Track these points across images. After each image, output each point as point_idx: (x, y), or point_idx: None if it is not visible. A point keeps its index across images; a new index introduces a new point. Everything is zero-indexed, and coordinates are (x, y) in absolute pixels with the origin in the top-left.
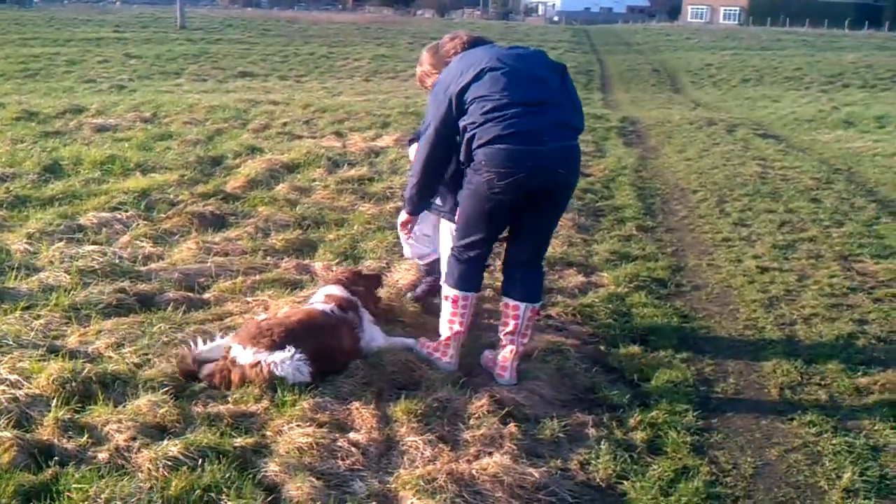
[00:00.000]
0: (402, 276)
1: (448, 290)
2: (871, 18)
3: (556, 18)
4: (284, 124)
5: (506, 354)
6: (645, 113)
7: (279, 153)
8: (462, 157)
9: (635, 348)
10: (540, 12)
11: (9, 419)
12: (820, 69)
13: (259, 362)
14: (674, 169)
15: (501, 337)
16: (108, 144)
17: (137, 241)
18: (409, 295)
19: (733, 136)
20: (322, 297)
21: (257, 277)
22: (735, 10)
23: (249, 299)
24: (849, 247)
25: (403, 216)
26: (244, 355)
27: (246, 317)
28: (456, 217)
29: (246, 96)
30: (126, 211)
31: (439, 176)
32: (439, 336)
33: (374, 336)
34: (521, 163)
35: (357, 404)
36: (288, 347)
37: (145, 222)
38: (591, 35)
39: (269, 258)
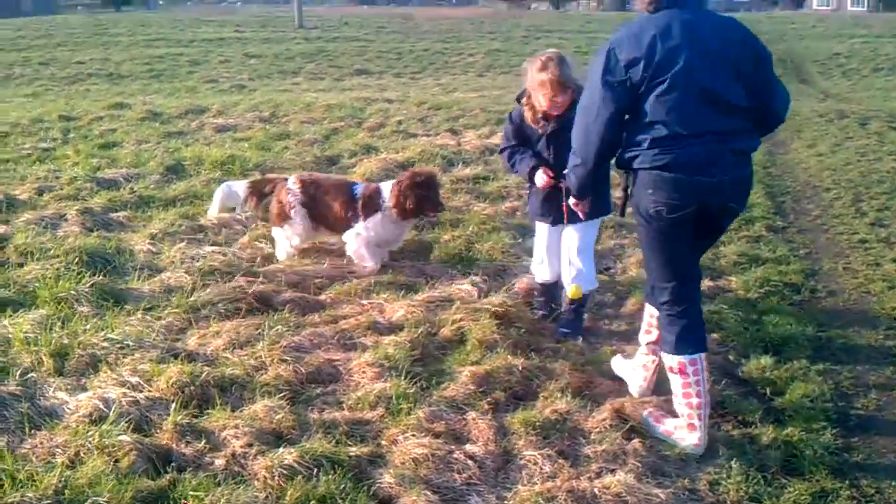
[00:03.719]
0: (518, 279)
1: (671, 359)
2: None
3: None
4: (399, 122)
5: (649, 366)
6: None
7: (394, 152)
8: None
9: (767, 359)
10: None
11: (129, 422)
12: None
13: None
14: (804, 165)
15: (644, 346)
16: (229, 144)
17: (256, 243)
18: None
19: (867, 130)
20: None
21: (372, 280)
22: None
23: (364, 302)
24: None
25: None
26: None
27: (361, 319)
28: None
29: (362, 94)
30: (245, 212)
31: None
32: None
33: None
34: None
35: (474, 414)
36: None
37: (264, 223)
38: None
39: (384, 260)
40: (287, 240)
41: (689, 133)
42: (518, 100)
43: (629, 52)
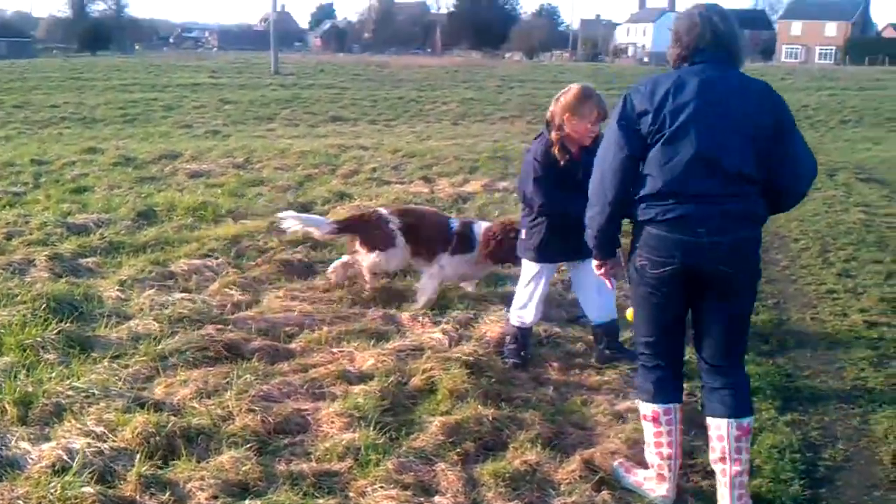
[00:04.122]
0: (489, 327)
1: (644, 407)
2: None
3: (646, 59)
4: (373, 169)
5: (723, 491)
6: None
7: (367, 199)
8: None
9: None
10: (630, 53)
11: (92, 473)
12: None
13: None
14: (773, 216)
15: (712, 465)
16: (201, 190)
17: (227, 290)
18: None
19: (834, 181)
20: None
21: (343, 328)
22: (831, 50)
23: (335, 350)
24: None
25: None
26: None
27: (331, 367)
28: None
29: (336, 141)
30: (216, 258)
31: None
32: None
33: None
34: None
35: (443, 465)
36: None
37: (235, 270)
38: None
39: (355, 307)
40: (376, 265)
41: (675, 191)
42: (549, 146)
43: (641, 103)
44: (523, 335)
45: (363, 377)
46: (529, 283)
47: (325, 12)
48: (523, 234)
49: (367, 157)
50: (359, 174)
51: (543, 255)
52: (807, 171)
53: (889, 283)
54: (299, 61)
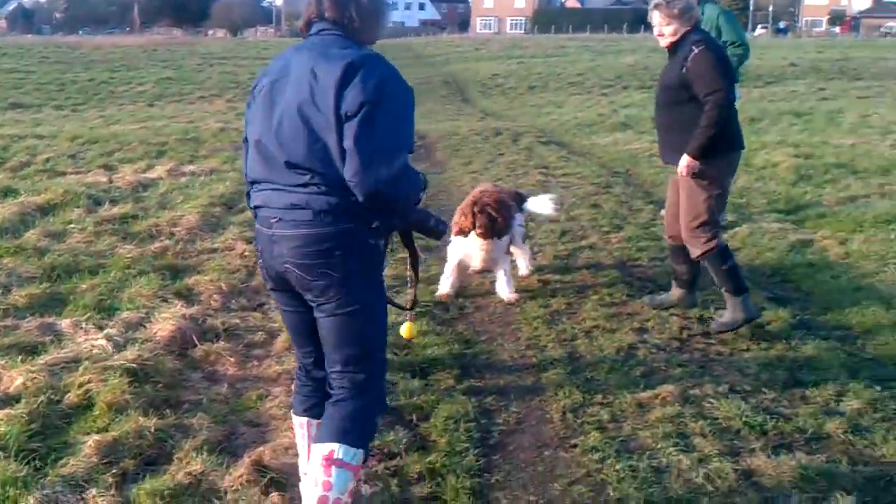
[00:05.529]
0: (161, 326)
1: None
2: (647, 22)
3: None
4: (47, 160)
5: None
6: (434, 126)
7: (34, 194)
8: None
9: (415, 382)
10: None
11: None
12: (600, 73)
13: None
14: (459, 183)
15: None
16: None
17: None
18: None
19: (518, 146)
20: None
21: None
22: (521, 20)
23: None
24: (627, 252)
25: None
26: None
27: None
28: None
29: (10, 131)
30: None
31: None
32: None
33: None
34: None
35: (94, 492)
36: None
37: None
38: (384, 49)
39: (8, 319)
40: None
41: (253, 178)
42: None
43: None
44: None
45: (9, 400)
46: None
47: None
48: None
49: (42, 146)
50: (30, 166)
51: None
52: (372, 164)
53: (562, 241)
54: None
